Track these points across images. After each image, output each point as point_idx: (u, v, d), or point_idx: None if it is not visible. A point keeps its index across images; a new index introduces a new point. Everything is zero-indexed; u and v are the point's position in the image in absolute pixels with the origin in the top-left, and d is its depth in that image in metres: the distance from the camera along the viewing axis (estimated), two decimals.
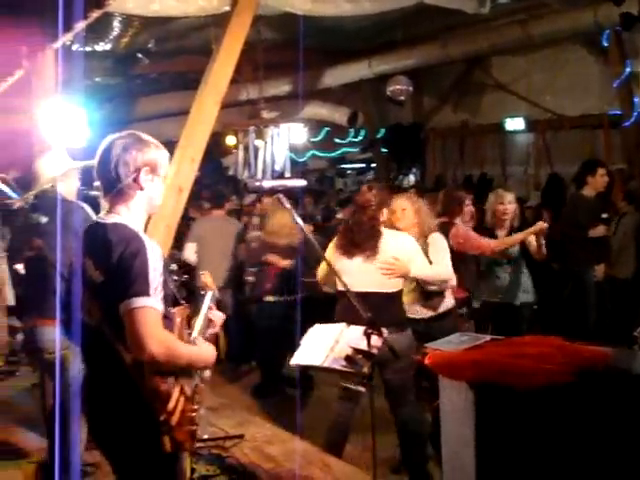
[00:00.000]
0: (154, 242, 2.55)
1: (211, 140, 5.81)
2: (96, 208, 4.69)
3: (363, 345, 3.19)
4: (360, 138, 14.41)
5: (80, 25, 4.52)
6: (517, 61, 11.77)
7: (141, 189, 2.61)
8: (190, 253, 7.20)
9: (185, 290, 6.15)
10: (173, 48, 10.53)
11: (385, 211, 4.60)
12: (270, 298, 6.56)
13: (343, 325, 3.55)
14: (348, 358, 3.27)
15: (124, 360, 2.47)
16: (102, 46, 9.73)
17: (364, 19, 9.20)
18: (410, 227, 4.88)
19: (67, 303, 3.89)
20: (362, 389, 3.49)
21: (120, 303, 2.40)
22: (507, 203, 5.67)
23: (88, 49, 9.39)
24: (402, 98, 11.22)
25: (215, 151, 10.18)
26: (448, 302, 5.12)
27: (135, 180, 2.58)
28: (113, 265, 2.45)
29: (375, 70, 11.49)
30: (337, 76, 12.01)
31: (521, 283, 5.66)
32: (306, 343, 3.64)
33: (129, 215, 2.61)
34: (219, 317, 3.00)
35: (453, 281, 5.00)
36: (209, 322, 2.92)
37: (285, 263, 6.51)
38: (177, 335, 2.61)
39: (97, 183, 2.69)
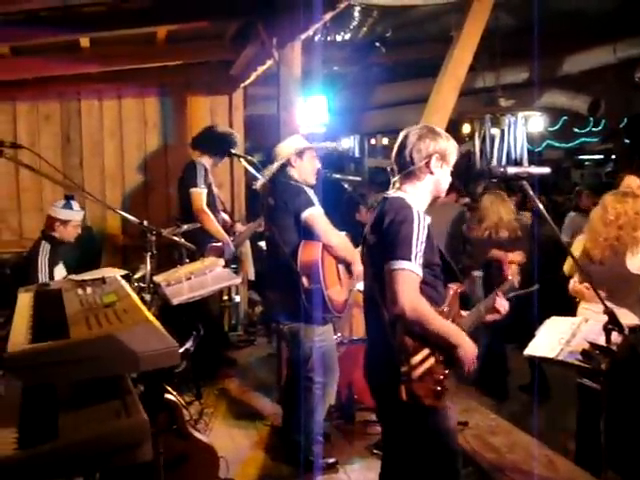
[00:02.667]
0: (427, 217, 2.81)
1: (447, 128, 5.81)
2: (337, 189, 4.91)
3: (602, 341, 3.07)
4: (600, 128, 13.68)
5: (327, 16, 4.71)
6: None
7: (431, 173, 2.92)
8: None
9: None
10: (409, 36, 10.63)
11: None
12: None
13: (581, 318, 3.44)
14: (585, 353, 3.17)
15: (384, 315, 2.78)
16: (342, 36, 10.07)
17: (608, 1, 8.71)
18: None
19: (289, 278, 4.20)
20: (597, 387, 3.36)
21: (384, 264, 2.71)
22: None
23: (329, 39, 9.75)
24: None
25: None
26: None
27: (426, 165, 2.90)
28: (383, 230, 2.78)
29: (620, 55, 10.78)
30: (577, 62, 11.42)
31: None
32: (541, 335, 3.57)
33: (414, 193, 2.92)
34: (503, 306, 3.17)
35: None
36: (492, 309, 3.13)
37: (513, 257, 6.35)
38: (447, 306, 2.89)
39: (392, 165, 3.01)
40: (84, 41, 5.99)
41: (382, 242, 2.78)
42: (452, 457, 2.93)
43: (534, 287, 3.61)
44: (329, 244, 4.26)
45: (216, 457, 3.87)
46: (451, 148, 2.97)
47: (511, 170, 2.89)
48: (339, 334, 5.28)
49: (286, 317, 4.40)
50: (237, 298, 7.12)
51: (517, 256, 6.30)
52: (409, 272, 2.66)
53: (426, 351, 2.72)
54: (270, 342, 6.94)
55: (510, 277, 3.35)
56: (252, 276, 6.19)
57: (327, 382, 4.49)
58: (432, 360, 2.73)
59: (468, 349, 2.79)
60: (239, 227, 6.22)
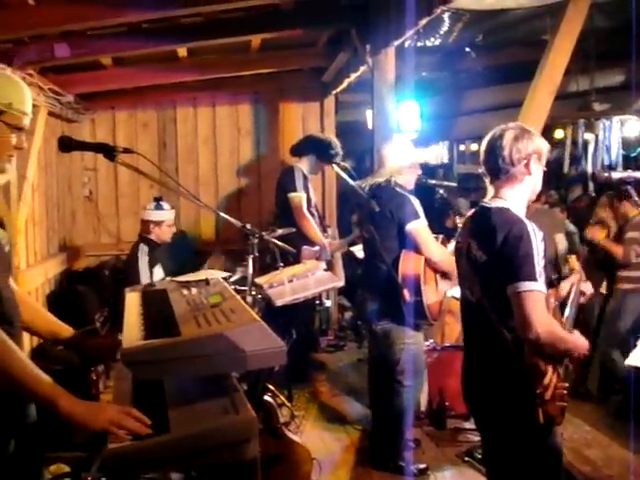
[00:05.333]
0: (535, 226, 2.69)
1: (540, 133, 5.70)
2: (432, 196, 4.91)
3: None
4: None
5: (422, 22, 4.69)
6: None
7: (529, 174, 2.81)
8: None
9: None
10: (499, 41, 10.47)
11: None
12: None
13: None
14: None
15: (502, 335, 2.68)
16: (432, 42, 10.00)
17: None
18: None
19: (387, 283, 4.21)
20: None
21: (507, 284, 2.60)
22: None
23: (419, 45, 9.70)
24: None
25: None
26: None
27: (526, 166, 2.79)
28: (497, 247, 2.66)
29: None
30: None
31: None
32: None
33: (514, 199, 2.82)
34: (589, 288, 3.25)
35: None
36: (580, 293, 3.15)
37: None
38: (564, 318, 2.85)
39: (481, 170, 2.92)
40: (182, 51, 6.16)
41: (497, 260, 2.67)
42: (560, 473, 2.87)
43: None
44: (431, 258, 4.27)
45: (310, 459, 3.91)
46: (545, 147, 2.88)
47: (616, 175, 2.83)
48: (431, 340, 5.26)
49: (380, 317, 4.43)
50: (327, 303, 7.16)
51: None
52: (537, 293, 2.56)
53: (551, 369, 2.66)
54: (360, 347, 6.96)
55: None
56: (342, 281, 6.21)
57: (414, 386, 4.50)
58: (555, 376, 2.67)
59: (585, 350, 2.75)
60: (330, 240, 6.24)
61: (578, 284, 3.20)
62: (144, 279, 4.95)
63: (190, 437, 1.90)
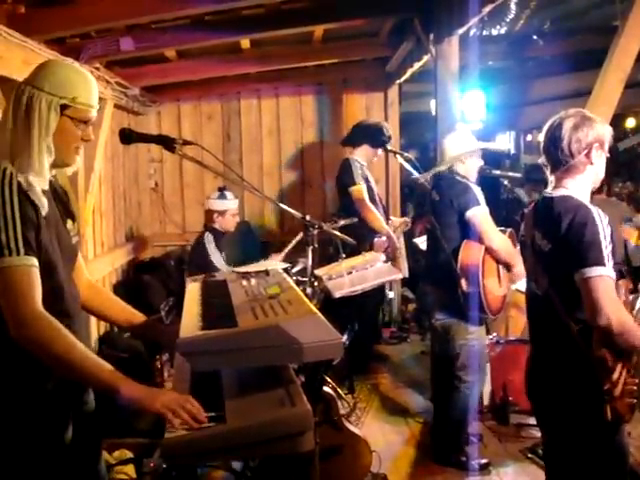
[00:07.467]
0: (601, 211, 2.62)
1: (610, 122, 5.52)
2: (496, 187, 4.82)
3: None
4: None
5: (486, 9, 4.60)
6: None
7: (591, 164, 2.74)
8: None
9: None
10: (568, 28, 10.21)
11: None
12: None
13: None
14: None
15: (569, 327, 2.60)
16: (498, 30, 9.82)
17: None
18: None
19: (447, 274, 4.15)
20: None
21: (575, 271, 2.52)
22: None
23: (484, 33, 9.53)
24: None
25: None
26: None
27: (587, 156, 2.71)
28: (562, 234, 2.59)
29: None
30: None
31: None
32: None
33: (576, 188, 2.74)
34: None
35: None
36: None
37: None
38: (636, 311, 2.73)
39: (542, 159, 2.86)
40: (244, 42, 6.19)
41: (563, 248, 2.59)
42: (625, 474, 2.76)
43: None
44: (491, 246, 4.19)
45: (369, 451, 3.90)
46: (607, 133, 2.77)
47: None
48: (494, 334, 5.18)
49: (440, 312, 4.39)
50: (391, 294, 7.10)
51: None
52: (607, 278, 2.47)
53: (620, 364, 2.56)
54: (423, 340, 6.92)
55: None
56: (406, 273, 6.16)
57: (476, 381, 4.44)
58: (624, 372, 2.56)
59: None
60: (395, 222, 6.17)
61: None
62: (216, 261, 5.07)
63: (245, 429, 1.90)
